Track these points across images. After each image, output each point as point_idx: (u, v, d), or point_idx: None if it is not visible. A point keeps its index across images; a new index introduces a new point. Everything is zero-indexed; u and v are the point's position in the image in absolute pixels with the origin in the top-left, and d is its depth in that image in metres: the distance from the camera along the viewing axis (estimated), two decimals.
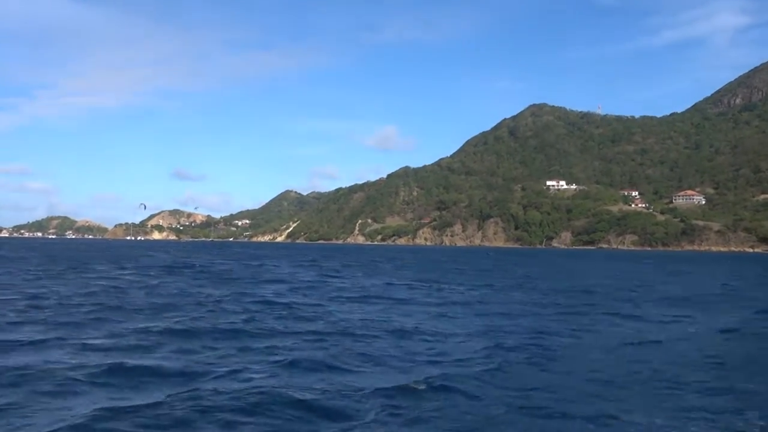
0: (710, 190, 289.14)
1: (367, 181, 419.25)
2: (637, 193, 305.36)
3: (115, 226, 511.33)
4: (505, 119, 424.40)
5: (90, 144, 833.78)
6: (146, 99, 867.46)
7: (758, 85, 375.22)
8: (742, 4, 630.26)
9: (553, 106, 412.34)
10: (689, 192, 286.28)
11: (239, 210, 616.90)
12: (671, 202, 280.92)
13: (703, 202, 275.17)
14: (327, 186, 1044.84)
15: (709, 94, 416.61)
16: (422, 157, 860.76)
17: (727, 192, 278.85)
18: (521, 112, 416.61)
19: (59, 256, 75.76)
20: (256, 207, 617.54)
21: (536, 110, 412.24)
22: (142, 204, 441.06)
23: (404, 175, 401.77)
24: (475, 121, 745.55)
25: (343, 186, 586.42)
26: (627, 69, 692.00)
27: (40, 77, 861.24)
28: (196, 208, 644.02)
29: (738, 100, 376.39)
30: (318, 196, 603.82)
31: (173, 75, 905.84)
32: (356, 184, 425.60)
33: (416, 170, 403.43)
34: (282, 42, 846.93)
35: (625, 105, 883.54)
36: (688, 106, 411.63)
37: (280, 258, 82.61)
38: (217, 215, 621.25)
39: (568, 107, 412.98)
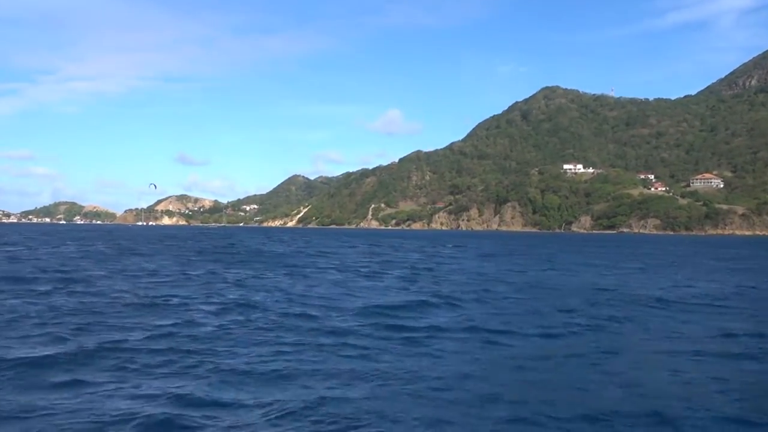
0: (728, 174, 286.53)
1: (379, 166, 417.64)
2: (653, 176, 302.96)
3: (125, 211, 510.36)
4: (517, 102, 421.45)
5: (94, 129, 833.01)
6: (150, 83, 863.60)
7: None
8: None
9: (566, 89, 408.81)
10: (707, 175, 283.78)
11: (244, 195, 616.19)
12: (689, 185, 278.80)
13: (722, 186, 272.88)
14: (332, 171, 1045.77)
15: (722, 76, 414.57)
16: (428, 141, 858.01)
17: (746, 175, 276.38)
18: (534, 95, 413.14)
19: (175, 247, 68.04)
20: (262, 192, 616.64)
21: (549, 93, 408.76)
22: (152, 184, 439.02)
23: (416, 159, 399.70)
24: (481, 104, 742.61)
25: (351, 170, 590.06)
26: (634, 51, 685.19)
27: (44, 62, 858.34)
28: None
29: (753, 82, 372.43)
30: (326, 181, 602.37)
31: (178, 59, 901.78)
32: (367, 169, 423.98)
33: (428, 154, 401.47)
34: (287, 26, 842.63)
35: (634, 88, 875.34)
36: (700, 89, 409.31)
37: (354, 246, 76.47)
38: (222, 200, 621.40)
39: (580, 90, 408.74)
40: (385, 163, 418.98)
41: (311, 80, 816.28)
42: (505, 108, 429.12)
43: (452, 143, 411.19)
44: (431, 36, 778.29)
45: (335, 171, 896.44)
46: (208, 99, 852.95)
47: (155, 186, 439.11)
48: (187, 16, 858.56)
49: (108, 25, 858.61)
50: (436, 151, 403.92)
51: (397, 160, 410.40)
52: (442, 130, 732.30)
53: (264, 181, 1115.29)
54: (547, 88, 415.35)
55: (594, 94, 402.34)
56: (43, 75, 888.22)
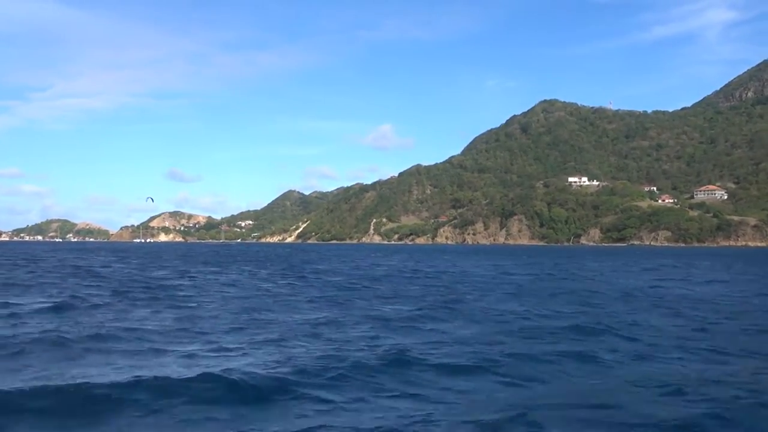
0: (731, 185, 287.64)
1: (378, 180, 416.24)
2: (656, 188, 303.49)
3: (121, 228, 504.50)
4: (515, 116, 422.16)
5: (84, 146, 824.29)
6: (141, 100, 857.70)
7: None
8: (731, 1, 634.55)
9: (564, 102, 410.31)
10: (710, 187, 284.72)
11: (237, 211, 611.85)
12: (692, 197, 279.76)
13: (726, 197, 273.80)
14: (324, 186, 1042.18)
15: (717, 88, 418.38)
16: (420, 156, 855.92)
17: (750, 186, 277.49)
18: (532, 109, 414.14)
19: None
20: (255, 208, 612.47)
21: (547, 106, 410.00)
22: (149, 197, 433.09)
23: (416, 173, 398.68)
24: (472, 118, 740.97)
25: (345, 185, 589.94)
26: (623, 64, 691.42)
27: (35, 79, 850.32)
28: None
29: (750, 94, 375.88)
30: (321, 196, 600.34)
31: (169, 76, 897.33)
32: (366, 183, 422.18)
33: (428, 168, 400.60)
34: (279, 42, 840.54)
35: (627, 100, 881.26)
36: (687, 102, 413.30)
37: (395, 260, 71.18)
38: (215, 216, 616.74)
39: (579, 102, 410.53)
40: (377, 178, 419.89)
41: (303, 96, 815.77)
42: (503, 122, 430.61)
43: (451, 157, 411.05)
44: (424, 50, 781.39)
45: (327, 186, 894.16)
46: (199, 115, 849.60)
47: (152, 199, 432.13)
48: (178, 33, 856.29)
49: (100, 42, 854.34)
50: (435, 165, 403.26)
51: (396, 174, 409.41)
52: (434, 145, 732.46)
53: (256, 197, 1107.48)
54: (545, 101, 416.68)
55: (592, 107, 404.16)
56: (35, 92, 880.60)
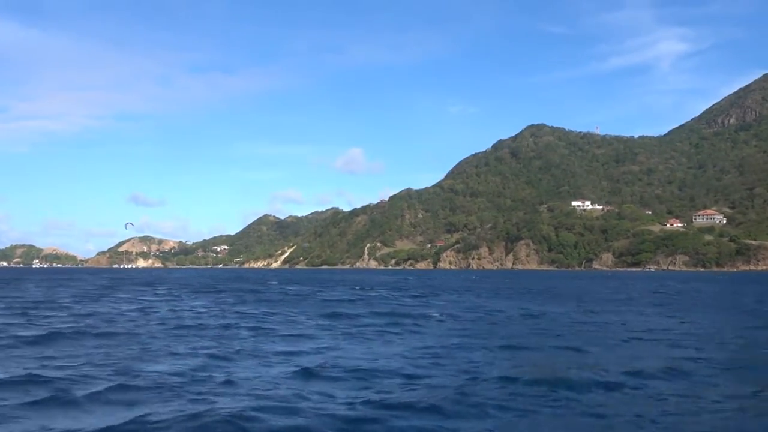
0: (727, 210, 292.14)
1: (368, 204, 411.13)
2: (650, 212, 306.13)
3: (98, 254, 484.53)
4: (502, 140, 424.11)
5: (43, 169, 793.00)
6: (103, 122, 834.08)
7: (751, 105, 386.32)
8: (682, 32, 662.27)
9: (552, 126, 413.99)
10: (709, 212, 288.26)
11: (205, 235, 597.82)
12: (691, 221, 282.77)
13: (724, 222, 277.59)
14: (290, 210, 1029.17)
15: (697, 114, 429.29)
16: (392, 180, 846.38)
17: (747, 211, 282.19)
18: (520, 133, 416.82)
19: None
20: (222, 233, 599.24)
21: (535, 131, 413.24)
22: (128, 223, 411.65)
23: (406, 197, 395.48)
24: (439, 143, 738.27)
25: (318, 209, 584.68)
26: (584, 92, 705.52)
27: None
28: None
29: (732, 120, 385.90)
30: (296, 221, 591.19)
31: (132, 98, 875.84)
32: (357, 208, 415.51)
33: (419, 192, 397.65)
34: (246, 65, 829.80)
35: (613, 125, 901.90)
36: (648, 130, 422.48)
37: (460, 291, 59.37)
38: (185, 241, 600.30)
39: (566, 128, 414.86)
40: (347, 202, 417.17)
41: (268, 119, 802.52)
42: (488, 146, 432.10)
43: (441, 181, 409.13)
44: (392, 74, 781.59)
45: (294, 210, 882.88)
46: (163, 138, 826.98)
47: (132, 224, 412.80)
48: (142, 54, 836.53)
49: (61, 63, 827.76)
50: (426, 188, 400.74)
51: (386, 198, 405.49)
52: (404, 169, 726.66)
53: (220, 221, 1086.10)
54: (533, 125, 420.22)
55: (580, 132, 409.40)
56: None
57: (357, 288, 66.30)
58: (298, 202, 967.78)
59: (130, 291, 54.70)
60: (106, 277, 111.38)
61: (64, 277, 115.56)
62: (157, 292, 53.59)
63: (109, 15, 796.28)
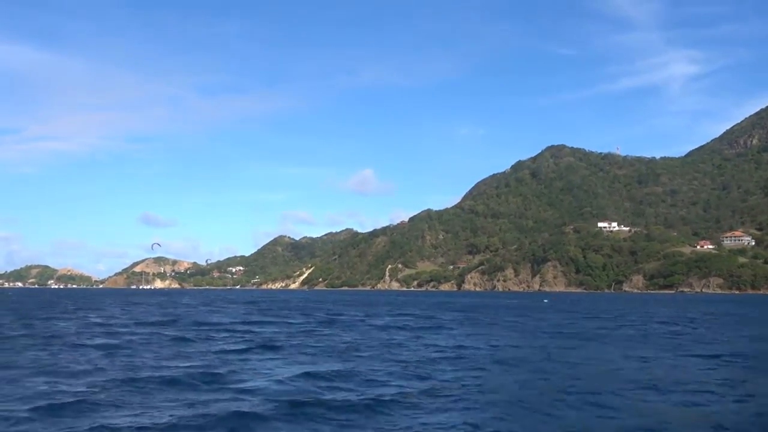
0: (755, 231, 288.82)
1: (388, 225, 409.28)
2: (677, 233, 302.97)
3: (115, 275, 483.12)
4: (521, 161, 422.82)
5: (55, 189, 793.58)
6: (115, 144, 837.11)
7: None
8: (692, 54, 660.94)
9: (572, 147, 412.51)
10: (737, 233, 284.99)
11: (218, 256, 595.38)
12: (720, 243, 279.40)
13: (753, 243, 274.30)
14: (302, 231, 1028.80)
15: (716, 135, 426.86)
16: (404, 201, 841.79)
17: None
18: (541, 153, 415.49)
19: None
20: (235, 254, 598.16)
21: (555, 152, 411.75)
22: (155, 243, 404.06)
23: (427, 218, 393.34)
24: (447, 165, 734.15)
25: (333, 231, 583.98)
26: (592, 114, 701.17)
27: (5, 122, 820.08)
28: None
29: (755, 141, 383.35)
30: (311, 242, 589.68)
31: (144, 119, 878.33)
32: (377, 231, 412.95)
33: (439, 213, 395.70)
34: (257, 87, 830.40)
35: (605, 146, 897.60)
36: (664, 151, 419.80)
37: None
38: (198, 262, 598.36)
39: (586, 148, 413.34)
40: (359, 223, 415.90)
41: (279, 141, 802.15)
42: (503, 167, 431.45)
43: (461, 201, 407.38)
44: (403, 95, 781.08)
45: (305, 232, 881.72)
46: (173, 159, 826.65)
47: (159, 245, 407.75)
48: (154, 76, 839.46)
49: (74, 85, 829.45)
50: (446, 209, 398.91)
51: (406, 219, 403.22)
52: (416, 190, 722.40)
53: (231, 242, 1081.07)
54: (553, 146, 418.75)
55: (601, 153, 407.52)
56: (6, 135, 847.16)
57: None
58: (310, 223, 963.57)
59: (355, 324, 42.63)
60: (201, 300, 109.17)
61: (151, 300, 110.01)
62: (374, 322, 44.34)
63: (121, 38, 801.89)
